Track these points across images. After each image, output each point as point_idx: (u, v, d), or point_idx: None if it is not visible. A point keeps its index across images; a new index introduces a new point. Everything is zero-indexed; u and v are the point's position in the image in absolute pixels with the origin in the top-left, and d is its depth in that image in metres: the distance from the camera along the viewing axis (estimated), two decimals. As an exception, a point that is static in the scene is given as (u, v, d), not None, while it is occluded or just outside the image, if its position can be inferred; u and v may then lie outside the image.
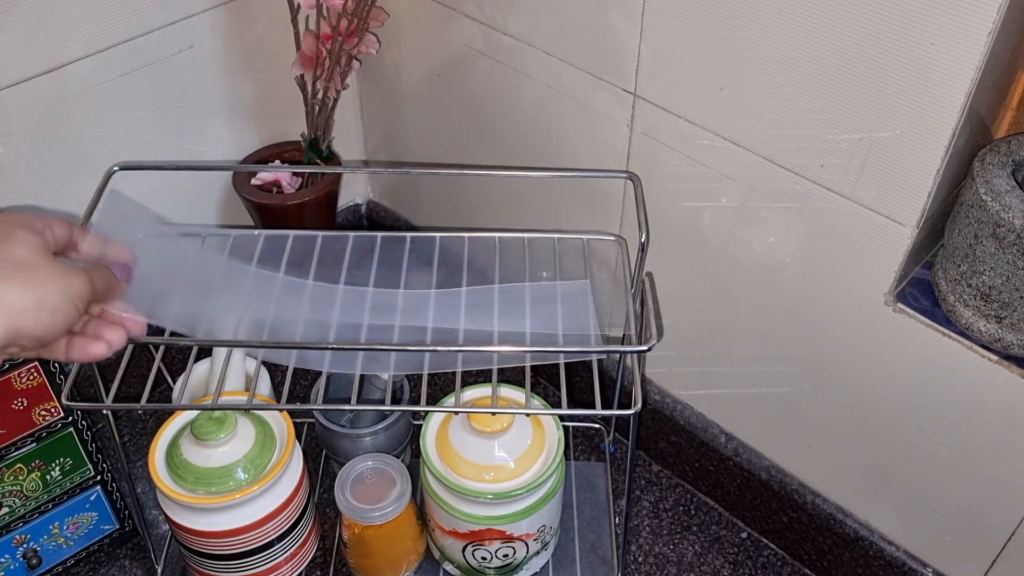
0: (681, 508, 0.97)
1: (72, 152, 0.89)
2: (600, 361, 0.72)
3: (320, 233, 0.81)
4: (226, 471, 0.74)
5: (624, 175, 0.81)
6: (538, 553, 0.84)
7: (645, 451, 1.01)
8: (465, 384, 0.79)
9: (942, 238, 0.70)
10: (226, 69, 0.97)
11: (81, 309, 0.53)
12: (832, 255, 0.72)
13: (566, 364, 0.74)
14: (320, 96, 0.96)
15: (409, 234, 0.80)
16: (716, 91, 0.71)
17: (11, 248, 0.52)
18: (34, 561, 0.85)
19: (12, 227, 0.54)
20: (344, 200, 1.18)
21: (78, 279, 0.53)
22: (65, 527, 0.86)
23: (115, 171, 0.73)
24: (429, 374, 0.72)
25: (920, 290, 0.71)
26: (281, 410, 0.80)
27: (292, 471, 0.79)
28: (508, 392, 0.81)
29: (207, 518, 0.75)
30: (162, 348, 0.72)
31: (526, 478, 0.77)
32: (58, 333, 0.52)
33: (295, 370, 0.72)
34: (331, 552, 0.90)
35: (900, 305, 0.70)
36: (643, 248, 0.72)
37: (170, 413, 0.81)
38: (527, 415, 0.79)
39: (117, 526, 0.91)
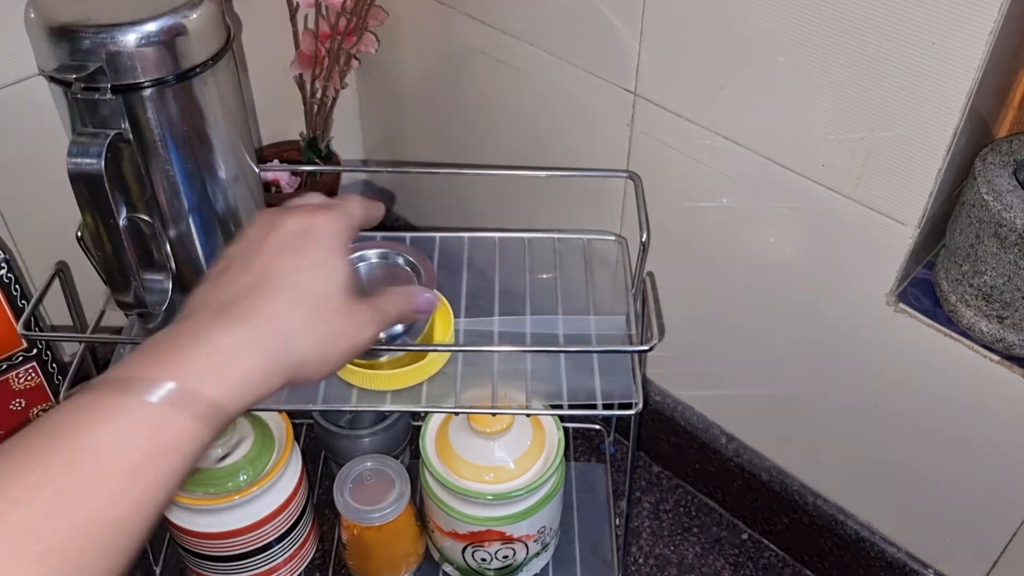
0: (682, 509, 0.97)
1: (70, 152, 0.88)
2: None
3: (319, 233, 0.81)
4: (224, 472, 0.74)
5: (624, 175, 0.81)
6: (538, 554, 0.84)
7: (645, 452, 1.01)
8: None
9: (944, 238, 0.69)
10: (225, 69, 0.96)
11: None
12: (833, 255, 0.72)
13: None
14: (319, 95, 0.96)
15: (409, 234, 0.80)
16: (717, 90, 0.71)
17: (321, 278, 0.46)
18: (32, 562, 0.84)
19: (332, 250, 0.47)
20: (343, 200, 1.17)
21: (367, 335, 0.48)
22: (63, 528, 0.86)
23: (113, 171, 0.72)
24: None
25: (922, 290, 0.70)
26: (280, 411, 0.80)
27: (291, 472, 0.78)
28: (508, 392, 0.81)
29: (205, 519, 0.75)
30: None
31: (526, 479, 0.77)
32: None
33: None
34: (330, 553, 0.90)
35: (901, 305, 0.70)
36: (644, 248, 0.72)
37: (169, 414, 0.80)
38: (527, 415, 0.79)
39: (115, 527, 0.90)
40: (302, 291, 0.45)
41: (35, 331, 0.76)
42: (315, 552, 0.86)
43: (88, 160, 0.55)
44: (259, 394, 0.42)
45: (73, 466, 0.35)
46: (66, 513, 0.34)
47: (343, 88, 0.95)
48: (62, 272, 0.71)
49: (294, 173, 1.01)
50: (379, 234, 0.80)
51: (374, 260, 0.71)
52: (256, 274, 0.45)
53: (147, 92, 0.57)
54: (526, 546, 0.81)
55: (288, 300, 0.44)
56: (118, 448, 0.36)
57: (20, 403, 0.77)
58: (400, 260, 0.71)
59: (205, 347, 0.40)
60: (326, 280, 0.46)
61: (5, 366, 0.74)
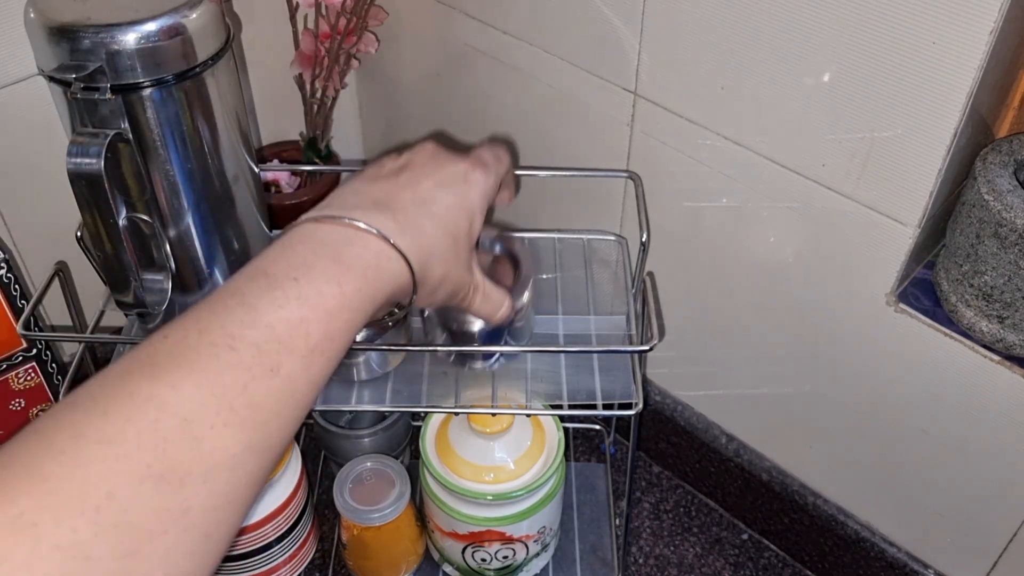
0: (682, 509, 0.97)
1: (70, 152, 0.88)
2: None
3: (319, 233, 0.81)
4: (224, 472, 0.74)
5: (624, 174, 0.81)
6: (538, 555, 0.84)
7: (646, 452, 1.01)
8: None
9: (944, 238, 0.69)
10: (225, 68, 0.96)
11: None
12: (833, 255, 0.72)
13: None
14: (319, 95, 0.95)
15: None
16: (717, 90, 0.71)
17: (466, 224, 0.51)
18: (32, 562, 0.84)
19: (481, 205, 0.53)
20: (343, 200, 1.17)
21: (468, 294, 0.54)
22: (63, 528, 0.86)
23: (113, 171, 0.72)
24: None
25: (922, 290, 0.70)
26: (280, 411, 0.80)
27: (290, 472, 0.78)
28: (508, 392, 0.81)
29: (205, 519, 0.75)
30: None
31: (526, 479, 0.77)
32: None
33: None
34: (330, 554, 0.90)
35: (902, 305, 0.70)
36: (644, 248, 0.72)
37: (168, 414, 0.80)
38: (527, 415, 0.79)
39: (115, 527, 0.90)
40: (453, 227, 0.50)
41: (35, 331, 0.76)
42: (315, 552, 0.86)
43: (88, 160, 0.55)
44: (392, 301, 0.48)
45: (263, 348, 0.39)
46: (260, 385, 0.39)
47: (343, 88, 0.95)
48: (62, 272, 0.71)
49: (294, 173, 1.01)
50: None
51: (485, 244, 0.68)
52: (421, 194, 0.50)
53: (147, 92, 0.57)
54: (526, 546, 0.81)
55: (441, 228, 0.49)
56: (302, 332, 0.41)
57: (20, 403, 0.77)
58: (501, 250, 0.67)
59: (371, 248, 0.46)
60: (468, 228, 0.51)
61: (5, 366, 0.74)
